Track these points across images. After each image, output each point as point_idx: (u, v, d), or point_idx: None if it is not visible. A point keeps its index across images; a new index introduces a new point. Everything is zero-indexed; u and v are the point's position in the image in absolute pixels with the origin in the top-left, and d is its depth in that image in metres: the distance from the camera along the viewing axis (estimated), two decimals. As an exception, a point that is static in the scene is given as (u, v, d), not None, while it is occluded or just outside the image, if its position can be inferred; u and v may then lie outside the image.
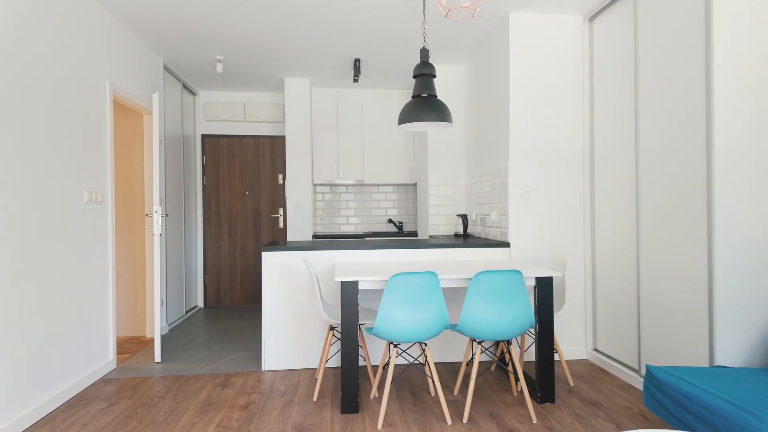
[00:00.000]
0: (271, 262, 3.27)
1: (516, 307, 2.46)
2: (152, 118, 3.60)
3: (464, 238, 4.01)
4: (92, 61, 3.15)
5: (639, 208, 2.89)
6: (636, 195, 2.91)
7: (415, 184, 5.65)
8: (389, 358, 2.48)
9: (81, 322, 2.97)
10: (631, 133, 2.97)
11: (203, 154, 5.56)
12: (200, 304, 5.57)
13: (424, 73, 2.84)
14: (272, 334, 3.27)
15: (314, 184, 5.48)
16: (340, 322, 2.67)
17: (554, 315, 2.99)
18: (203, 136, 5.56)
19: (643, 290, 2.85)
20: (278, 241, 4.12)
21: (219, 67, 4.38)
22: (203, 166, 5.56)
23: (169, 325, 4.48)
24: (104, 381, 3.11)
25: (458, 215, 4.36)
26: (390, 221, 5.63)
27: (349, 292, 2.55)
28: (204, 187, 5.56)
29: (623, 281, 3.07)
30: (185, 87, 5.13)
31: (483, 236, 4.08)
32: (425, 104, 2.81)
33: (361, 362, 3.42)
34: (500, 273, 2.42)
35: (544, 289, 2.67)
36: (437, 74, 4.64)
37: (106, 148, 3.31)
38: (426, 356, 2.52)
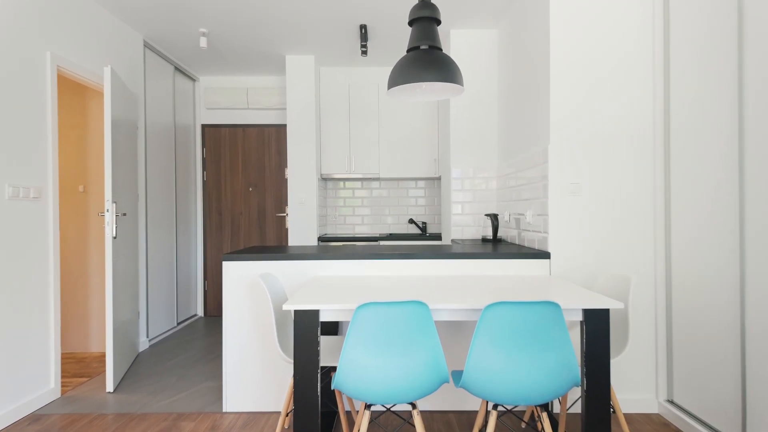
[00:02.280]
0: (236, 274, 2.58)
1: (551, 356, 1.61)
2: (106, 96, 3.00)
3: (493, 245, 3.15)
4: (27, 27, 2.58)
5: (744, 204, 1.94)
6: (739, 185, 1.96)
7: (440, 178, 4.81)
8: (364, 415, 1.71)
9: (5, 341, 2.41)
10: (730, 100, 2.02)
11: (203, 146, 5.00)
12: (200, 312, 5.02)
13: (423, 17, 2.04)
14: (236, 368, 2.58)
15: (322, 179, 4.78)
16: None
17: (611, 360, 2.10)
18: (203, 126, 5.01)
19: (752, 324, 1.90)
20: (272, 245, 3.44)
21: (203, 42, 3.76)
22: (203, 159, 5.00)
23: (149, 340, 3.92)
24: (33, 417, 2.54)
25: (487, 215, 3.50)
26: (411, 221, 4.83)
27: (305, 325, 1.79)
28: (204, 183, 5.00)
29: (717, 310, 2.12)
30: (179, 70, 4.58)
31: (517, 241, 3.20)
32: (424, 60, 2.00)
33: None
34: (524, 306, 1.58)
35: (597, 325, 1.79)
36: (461, 41, 3.79)
37: (47, 135, 2.75)
38: (415, 424, 1.72)
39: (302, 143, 4.37)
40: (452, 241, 3.71)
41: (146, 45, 3.92)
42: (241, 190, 5.00)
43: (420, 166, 4.64)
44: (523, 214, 3.03)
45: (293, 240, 4.36)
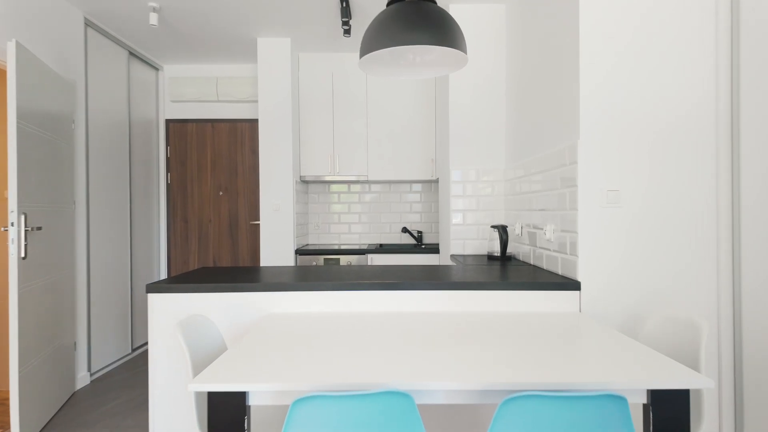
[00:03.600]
0: (165, 311, 1.96)
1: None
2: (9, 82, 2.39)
3: (502, 265, 2.54)
4: None
5: None
6: None
7: (437, 181, 4.19)
8: None
9: None
10: None
11: (167, 143, 4.38)
12: (164, 333, 4.39)
13: (409, -45, 1.42)
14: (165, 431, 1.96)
15: (302, 182, 4.16)
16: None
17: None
18: (168, 122, 4.38)
19: None
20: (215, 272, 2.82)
21: (153, 18, 3.14)
22: (167, 158, 4.38)
23: (91, 374, 3.30)
24: None
25: (493, 227, 2.89)
26: (405, 230, 4.21)
27: (225, 415, 1.17)
28: (168, 186, 4.38)
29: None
30: (136, 56, 3.95)
31: (532, 261, 2.58)
32: (410, 15, 1.38)
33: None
34: (566, 403, 0.97)
35: (671, 412, 1.17)
36: (461, 18, 3.17)
37: (-71, 126, 2.13)
38: None
39: (277, 140, 3.75)
40: (451, 257, 3.09)
41: (88, 23, 3.30)
42: (211, 194, 4.37)
43: (415, 168, 4.02)
44: (541, 229, 2.41)
45: (266, 253, 3.74)
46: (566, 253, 2.09)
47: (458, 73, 3.16)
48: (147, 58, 4.10)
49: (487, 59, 3.16)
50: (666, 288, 1.94)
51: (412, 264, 3.75)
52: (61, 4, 3.02)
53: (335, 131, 4.02)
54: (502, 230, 2.82)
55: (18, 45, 2.26)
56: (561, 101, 2.16)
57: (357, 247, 3.97)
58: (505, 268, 2.40)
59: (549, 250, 2.30)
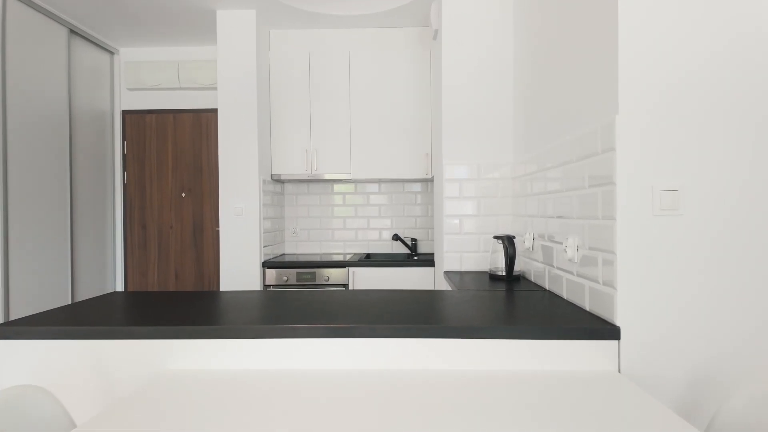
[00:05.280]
0: (16, 369, 1.36)
1: None
2: None
3: (507, 288, 1.90)
4: None
5: None
6: None
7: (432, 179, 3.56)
8: None
9: None
10: None
11: (123, 138, 3.81)
12: (120, 356, 3.83)
13: None
14: None
15: (276, 181, 3.56)
16: None
17: None
18: (124, 113, 3.82)
19: None
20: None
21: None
22: (123, 155, 3.81)
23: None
24: None
25: (497, 238, 2.25)
26: (397, 238, 3.58)
27: None
28: (125, 187, 3.82)
29: None
30: (79, 35, 3.39)
31: (547, 284, 1.94)
32: None
33: None
34: None
35: None
36: (461, -23, 2.54)
37: None
38: None
39: (239, 132, 3.15)
40: (445, 274, 2.46)
41: (6, -10, 2.74)
42: (172, 195, 3.80)
43: (407, 164, 3.39)
44: (560, 243, 1.77)
45: (226, 266, 3.14)
46: (597, 282, 1.44)
47: (453, 46, 2.53)
48: (96, 39, 3.54)
49: (488, 29, 2.52)
50: (761, 341, 1.29)
51: (403, 279, 3.14)
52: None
53: (312, 122, 3.41)
54: (508, 242, 2.18)
55: None
56: (589, 60, 1.52)
57: (342, 257, 3.36)
58: (511, 297, 1.76)
59: (571, 273, 1.66)
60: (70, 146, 3.27)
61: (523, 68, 2.33)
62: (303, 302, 1.65)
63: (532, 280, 2.15)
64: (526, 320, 1.38)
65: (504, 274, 2.24)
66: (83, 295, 3.39)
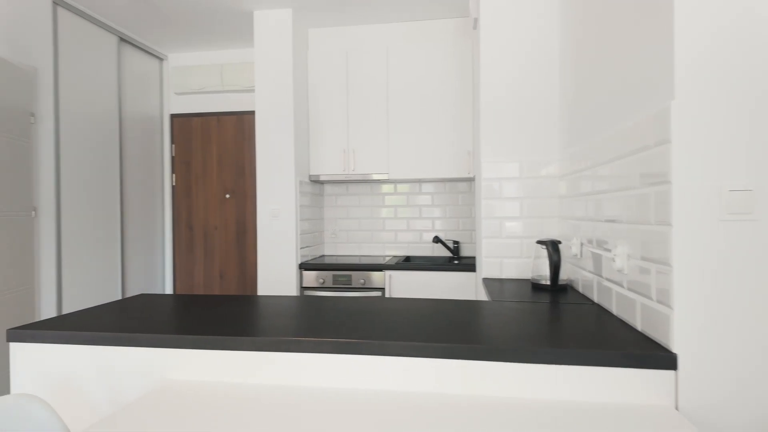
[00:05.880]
0: (29, 367, 1.37)
1: None
2: None
3: (551, 299, 1.70)
4: None
5: None
6: None
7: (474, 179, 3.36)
8: None
9: None
10: None
11: (172, 141, 3.94)
12: (169, 353, 3.95)
13: None
14: None
15: (315, 182, 3.52)
16: None
17: None
18: (172, 117, 3.94)
19: None
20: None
21: (118, -11, 2.63)
22: (172, 158, 3.94)
23: None
24: None
25: (540, 243, 2.04)
26: (437, 240, 3.41)
27: None
28: (173, 189, 3.94)
29: None
30: (129, 43, 3.53)
31: (596, 296, 1.71)
32: None
33: None
34: None
35: None
36: (501, -41, 2.34)
37: None
38: None
39: (275, 133, 3.13)
40: (483, 282, 2.27)
41: (59, 3, 2.87)
42: (217, 197, 3.87)
43: (448, 163, 3.22)
44: (609, 250, 1.55)
45: (263, 267, 3.13)
46: (650, 298, 1.22)
47: (493, 34, 2.34)
48: (145, 46, 3.67)
49: (530, 15, 2.31)
50: None
51: (442, 284, 2.98)
52: (20, -20, 2.60)
53: (350, 121, 3.32)
54: (552, 248, 1.97)
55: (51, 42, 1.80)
56: (640, 32, 1.30)
57: (380, 259, 3.26)
58: (553, 311, 1.56)
59: (621, 286, 1.44)
60: (120, 150, 3.40)
61: (569, 54, 2.09)
62: (326, 311, 1.55)
63: (580, 290, 1.93)
64: (567, 340, 1.19)
65: (548, 283, 2.03)
66: (133, 293, 3.52)
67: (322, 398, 1.14)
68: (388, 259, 3.34)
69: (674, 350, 1.10)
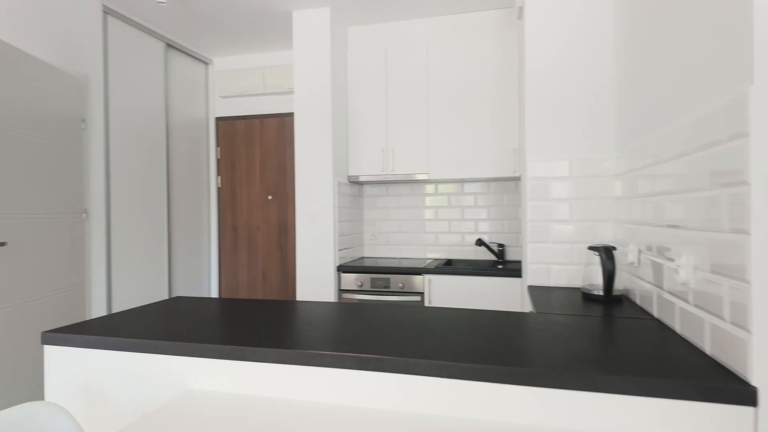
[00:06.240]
0: (61, 370, 1.38)
1: None
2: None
3: (603, 312, 1.53)
4: None
5: None
6: None
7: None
8: None
9: None
10: None
11: (217, 144, 4.02)
12: (214, 351, 4.04)
13: None
14: None
15: (354, 183, 3.46)
16: None
17: None
18: (217, 120, 4.02)
19: None
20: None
21: (161, -5, 2.69)
22: (217, 160, 4.02)
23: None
24: None
25: (592, 249, 1.86)
26: (481, 243, 3.26)
27: None
28: (219, 191, 4.02)
29: None
30: (175, 48, 3.62)
31: (655, 311, 1.53)
32: None
33: None
34: None
35: None
36: (549, -59, 2.17)
37: None
38: None
39: (313, 134, 3.10)
40: (529, 290, 2.11)
41: (108, 12, 2.98)
42: (259, 198, 3.90)
43: (492, 161, 3.06)
44: (672, 260, 1.36)
45: (302, 269, 3.11)
46: (722, 318, 1.05)
47: (538, 21, 2.17)
48: (191, 51, 3.76)
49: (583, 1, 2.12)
50: None
51: (485, 290, 2.83)
52: (71, -8, 2.72)
53: (389, 120, 3.24)
54: (606, 254, 1.78)
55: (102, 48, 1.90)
56: (711, 10, 1.12)
57: (420, 262, 3.15)
58: (606, 327, 1.40)
59: (686, 301, 1.25)
60: (167, 153, 3.50)
61: (626, 40, 1.89)
62: (358, 320, 1.47)
63: (638, 302, 1.73)
64: (622, 364, 1.04)
65: (601, 293, 1.84)
66: (180, 293, 3.62)
67: (342, 418, 1.06)
68: (428, 262, 3.23)
69: (753, 383, 0.92)
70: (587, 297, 1.89)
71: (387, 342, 1.23)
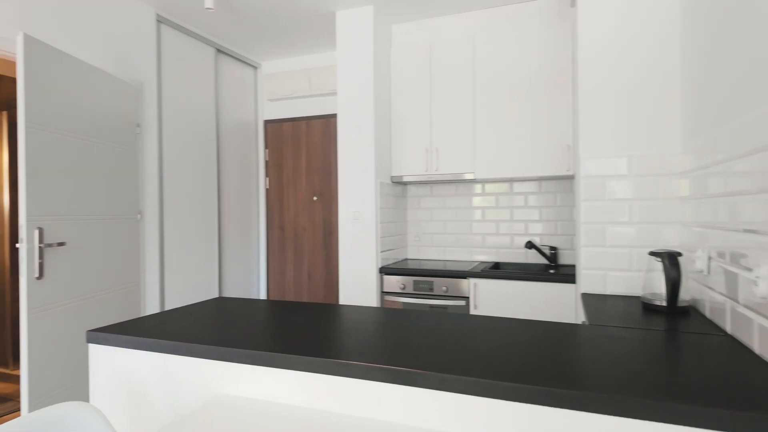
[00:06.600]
0: (103, 369, 1.42)
1: None
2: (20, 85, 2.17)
3: (666, 326, 1.38)
4: None
5: None
6: None
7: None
8: None
9: None
10: None
11: (266, 146, 4.09)
12: (262, 349, 4.12)
13: None
14: None
15: (398, 183, 3.40)
16: None
17: None
18: (266, 122, 4.10)
19: None
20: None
21: (208, 1, 2.75)
22: (266, 162, 4.09)
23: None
24: None
25: (654, 254, 1.69)
26: (531, 246, 3.09)
27: None
28: (267, 192, 4.09)
29: None
30: (225, 53, 3.72)
31: (728, 326, 1.35)
32: None
33: None
34: None
35: None
36: None
37: None
38: None
39: (356, 134, 3.07)
40: (582, 297, 1.96)
41: (162, 20, 3.10)
42: (305, 199, 3.93)
43: (543, 159, 2.90)
44: (750, 269, 1.19)
45: (345, 271, 3.08)
46: (816, 342, 0.88)
47: (595, 7, 2.01)
48: (240, 56, 3.85)
49: (646, -24, 1.93)
50: None
51: (534, 296, 2.67)
52: (128, 2, 2.84)
53: (433, 118, 3.15)
54: (669, 261, 1.61)
55: (27, 38, 2.02)
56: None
57: (466, 265, 3.04)
58: (674, 343, 1.25)
59: (766, 316, 1.09)
60: (217, 156, 3.60)
61: (696, 23, 1.70)
62: (395, 328, 1.41)
63: (707, 315, 1.55)
64: (690, 389, 0.91)
65: (664, 304, 1.67)
66: (229, 292, 3.72)
67: (370, 435, 1.00)
68: (474, 265, 3.11)
69: None
70: (648, 307, 1.71)
71: (422, 354, 1.15)
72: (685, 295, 1.70)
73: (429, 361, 1.09)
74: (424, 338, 1.29)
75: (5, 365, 3.55)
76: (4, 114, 3.65)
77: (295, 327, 1.43)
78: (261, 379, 1.20)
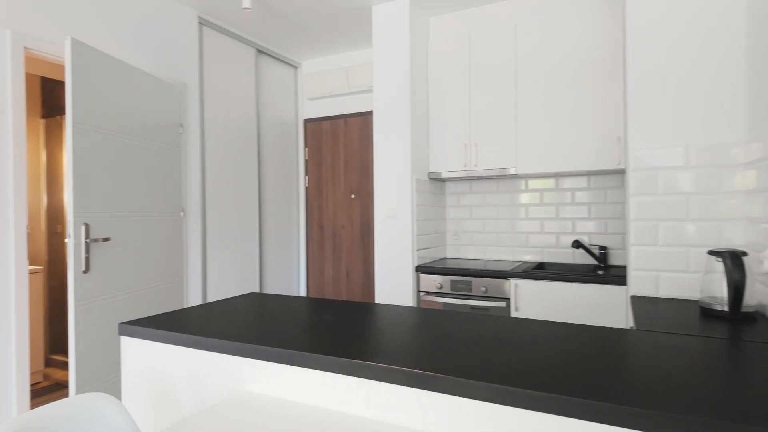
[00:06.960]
0: (134, 362, 1.44)
1: None
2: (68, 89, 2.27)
3: (729, 334, 1.23)
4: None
5: None
6: None
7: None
8: None
9: None
10: None
11: (305, 145, 4.12)
12: (302, 346, 4.16)
13: None
14: None
15: (435, 180, 3.31)
16: None
17: None
18: (305, 122, 4.12)
19: None
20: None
21: (246, 1, 2.78)
22: (305, 161, 4.12)
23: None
24: None
25: (713, 254, 1.52)
26: (578, 245, 2.91)
27: None
28: (306, 190, 4.12)
29: None
30: (266, 54, 3.77)
31: (803, 339, 1.18)
32: None
33: None
34: None
35: None
36: None
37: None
38: None
39: (392, 131, 3.01)
40: (632, 300, 1.80)
41: (204, 23, 3.18)
42: (343, 197, 3.92)
43: (591, 152, 2.72)
44: (828, 271, 1.03)
45: (380, 269, 3.03)
46: None
47: (646, -17, 1.84)
48: (281, 56, 3.90)
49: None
50: None
51: (582, 299, 2.51)
52: (171, 5, 2.93)
53: (472, 112, 3.03)
54: (732, 261, 1.44)
55: (74, 42, 2.11)
56: None
57: (507, 265, 2.92)
58: (736, 354, 1.10)
59: None
60: (258, 155, 3.66)
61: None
62: (425, 329, 1.34)
63: (778, 323, 1.37)
64: (755, 408, 0.79)
65: (725, 309, 1.49)
66: (270, 288, 3.77)
67: (385, 441, 0.94)
68: (516, 265, 2.97)
69: None
70: (707, 313, 1.54)
71: (451, 358, 1.08)
72: (751, 299, 1.51)
73: (456, 365, 1.02)
74: (455, 342, 1.21)
75: (66, 354, 3.78)
76: (65, 118, 3.89)
77: (322, 325, 1.39)
78: (279, 377, 1.17)
